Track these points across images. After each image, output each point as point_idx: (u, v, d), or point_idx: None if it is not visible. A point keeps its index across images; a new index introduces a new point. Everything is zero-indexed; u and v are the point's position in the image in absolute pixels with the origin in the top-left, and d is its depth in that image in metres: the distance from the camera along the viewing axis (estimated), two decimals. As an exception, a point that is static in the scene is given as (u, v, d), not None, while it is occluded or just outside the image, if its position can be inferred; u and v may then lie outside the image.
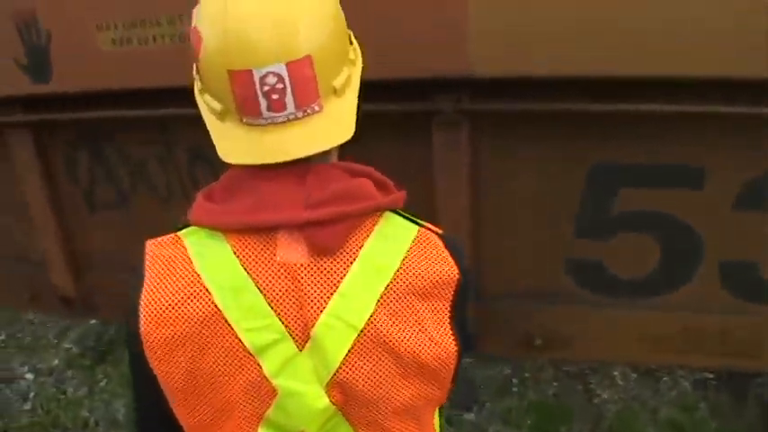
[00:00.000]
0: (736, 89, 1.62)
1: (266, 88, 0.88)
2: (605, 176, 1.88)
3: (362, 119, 1.48)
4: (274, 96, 0.89)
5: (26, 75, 2.18)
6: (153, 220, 2.38)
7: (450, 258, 1.00)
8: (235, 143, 0.94)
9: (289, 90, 0.89)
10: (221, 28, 0.88)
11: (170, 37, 1.89)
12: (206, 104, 0.98)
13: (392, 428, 1.05)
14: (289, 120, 0.91)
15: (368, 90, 1.70)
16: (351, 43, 1.02)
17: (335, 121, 0.95)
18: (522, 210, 1.98)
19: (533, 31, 1.64)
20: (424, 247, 0.99)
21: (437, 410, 1.17)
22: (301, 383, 0.98)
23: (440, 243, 1.01)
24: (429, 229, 1.03)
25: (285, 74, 0.88)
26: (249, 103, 0.90)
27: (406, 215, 1.04)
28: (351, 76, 0.99)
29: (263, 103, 0.89)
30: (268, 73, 0.87)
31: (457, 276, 0.99)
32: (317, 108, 0.92)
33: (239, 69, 0.88)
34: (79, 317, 3.38)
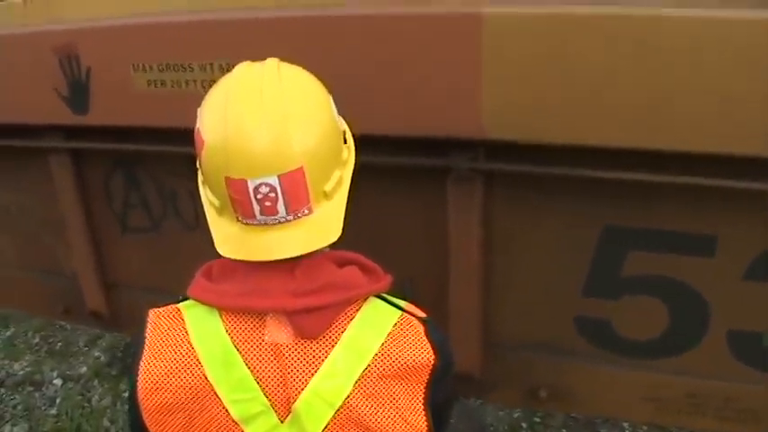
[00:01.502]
0: (754, 165, 1.63)
1: (260, 196, 0.95)
2: (616, 239, 1.90)
3: (383, 170, 1.54)
4: (267, 203, 0.96)
5: (67, 105, 2.29)
6: (180, 245, 2.48)
7: (427, 343, 1.06)
8: (230, 238, 1.02)
9: (280, 198, 0.96)
10: (221, 137, 0.95)
11: (201, 82, 1.98)
12: (206, 197, 1.07)
13: None
14: (280, 222, 0.98)
15: (389, 145, 1.78)
16: (345, 142, 1.09)
17: (324, 224, 1.02)
18: (533, 266, 2.01)
19: (546, 99, 1.68)
20: (404, 332, 1.06)
21: None
22: None
23: (420, 328, 1.07)
24: (412, 314, 1.09)
25: (277, 184, 0.95)
26: (243, 206, 0.97)
27: (390, 300, 1.10)
28: (342, 177, 1.05)
29: (256, 207, 0.97)
30: (261, 183, 0.94)
31: (433, 361, 1.05)
32: (306, 212, 0.99)
33: (235, 178, 0.95)
34: (110, 330, 3.50)
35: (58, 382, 3.75)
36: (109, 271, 2.76)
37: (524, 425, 3.17)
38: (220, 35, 1.94)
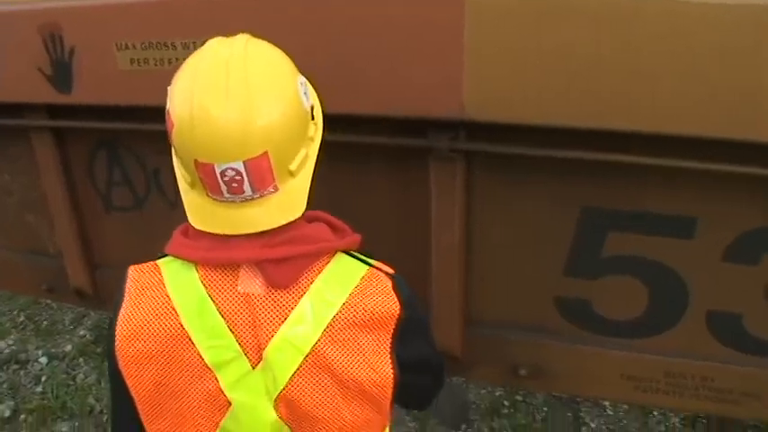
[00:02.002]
0: (735, 147, 1.64)
1: (226, 178, 1.02)
2: (596, 220, 1.91)
3: (365, 150, 1.55)
4: (234, 184, 1.02)
5: (50, 84, 2.26)
6: (163, 222, 2.47)
7: (394, 296, 1.15)
8: (200, 210, 1.10)
9: (246, 180, 1.02)
10: (188, 123, 1.00)
11: (184, 60, 1.97)
12: (178, 170, 1.11)
13: None
14: (246, 200, 1.05)
15: (370, 124, 1.78)
16: (312, 118, 1.12)
17: (289, 200, 1.08)
18: (514, 246, 2.02)
19: (526, 81, 1.68)
20: (371, 285, 1.14)
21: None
22: (253, 397, 1.12)
23: (387, 282, 1.16)
24: (380, 269, 1.17)
25: (242, 169, 1.01)
26: (212, 185, 1.04)
27: (359, 256, 1.17)
28: (307, 154, 1.11)
29: (223, 187, 1.03)
30: (228, 168, 1.00)
31: (398, 312, 1.14)
32: (272, 190, 1.05)
33: (202, 161, 1.02)
34: (93, 309, 3.51)
35: (43, 360, 3.78)
36: (93, 249, 2.75)
37: (506, 403, 3.22)
38: (203, 13, 1.92)
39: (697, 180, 1.76)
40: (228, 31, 1.82)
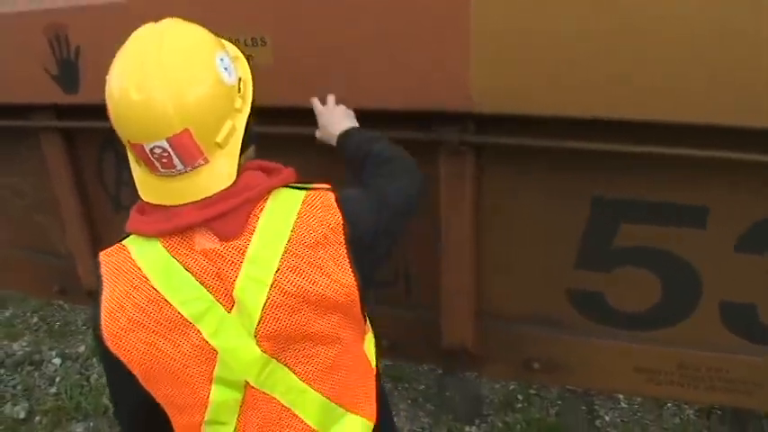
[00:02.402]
0: (746, 136, 1.62)
1: (156, 155, 1.11)
2: (608, 211, 1.90)
3: None
4: (164, 160, 1.11)
5: (57, 84, 2.28)
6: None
7: (335, 207, 1.23)
8: (146, 184, 1.19)
9: (174, 157, 1.10)
10: (115, 108, 1.11)
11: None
12: (126, 149, 1.19)
13: (321, 359, 1.28)
14: (181, 173, 1.13)
15: (379, 118, 1.78)
16: (239, 91, 1.19)
17: (221, 169, 1.16)
18: (525, 238, 2.01)
19: (534, 72, 1.67)
20: (312, 205, 1.22)
21: (368, 342, 1.44)
22: (234, 339, 1.20)
23: (329, 197, 1.24)
24: (318, 189, 1.26)
25: (167, 146, 1.09)
26: (147, 162, 1.14)
27: (296, 186, 1.26)
28: (234, 126, 1.18)
29: (156, 164, 1.12)
30: (155, 146, 1.09)
31: (340, 219, 1.22)
32: (202, 162, 1.13)
33: (134, 142, 1.12)
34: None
35: (57, 361, 3.79)
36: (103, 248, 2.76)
37: (520, 397, 3.20)
38: (207, 11, 1.92)
39: (708, 169, 1.74)
40: (232, 27, 1.83)
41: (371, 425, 1.41)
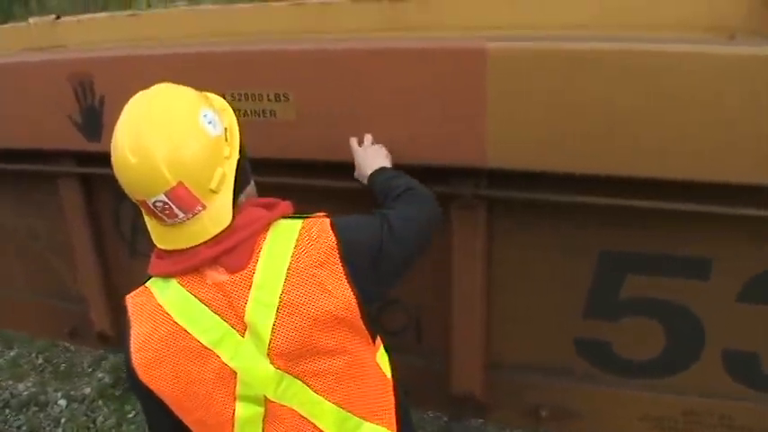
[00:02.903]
0: (746, 191, 1.71)
1: (158, 208, 1.24)
2: (614, 263, 1.96)
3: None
4: (166, 211, 1.25)
5: (80, 132, 2.32)
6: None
7: (328, 229, 1.35)
8: (156, 233, 1.33)
9: (174, 207, 1.24)
10: (118, 171, 1.26)
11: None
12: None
13: (333, 372, 1.38)
14: (183, 222, 1.26)
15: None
16: (226, 140, 1.30)
17: (218, 213, 1.28)
18: (534, 289, 2.07)
19: (548, 130, 1.75)
20: (309, 231, 1.34)
21: (381, 355, 1.52)
22: (250, 360, 1.31)
23: (324, 223, 1.37)
24: (314, 217, 1.39)
25: (166, 199, 1.22)
26: (154, 215, 1.28)
27: (294, 216, 1.39)
28: (225, 172, 1.29)
29: (161, 215, 1.26)
30: (156, 201, 1.23)
31: (334, 241, 1.34)
32: (200, 209, 1.26)
33: (138, 198, 1.26)
34: (115, 352, 3.54)
35: (62, 402, 3.78)
36: (117, 293, 2.79)
37: (524, 444, 3.20)
38: (235, 68, 2.00)
39: (712, 223, 1.82)
40: (254, 83, 1.91)
41: None
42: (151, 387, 1.32)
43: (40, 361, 4.19)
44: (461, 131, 1.80)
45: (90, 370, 4.03)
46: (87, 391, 3.84)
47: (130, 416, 3.63)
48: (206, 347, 1.30)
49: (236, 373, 1.32)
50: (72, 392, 3.85)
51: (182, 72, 2.08)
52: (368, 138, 1.86)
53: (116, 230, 2.67)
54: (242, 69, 1.98)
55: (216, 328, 1.31)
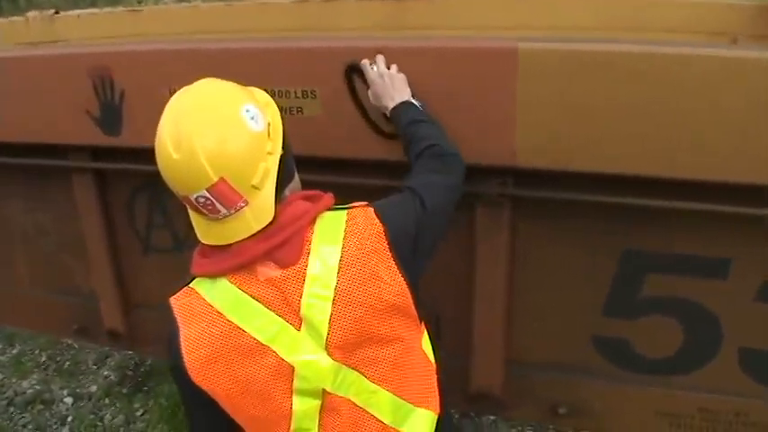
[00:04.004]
0: (765, 192, 1.74)
1: (201, 204, 1.24)
2: (635, 262, 1.99)
3: None
4: (209, 207, 1.24)
5: (98, 127, 2.32)
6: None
7: (373, 217, 1.37)
8: (201, 228, 1.33)
9: (216, 203, 1.23)
10: (162, 167, 1.26)
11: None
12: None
13: (388, 360, 1.39)
14: (226, 217, 1.26)
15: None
16: (269, 135, 1.29)
17: (260, 209, 1.28)
18: (555, 287, 2.10)
19: (573, 131, 1.78)
20: (355, 222, 1.36)
21: (425, 340, 1.54)
22: (308, 354, 1.32)
23: (368, 211, 1.38)
24: (357, 206, 1.40)
25: (208, 195, 1.22)
26: (197, 210, 1.28)
27: (337, 207, 1.40)
28: (268, 168, 1.29)
29: (204, 210, 1.26)
30: (198, 196, 1.23)
31: (381, 228, 1.35)
32: (243, 204, 1.25)
33: (182, 194, 1.26)
34: (124, 350, 3.52)
35: (68, 400, 3.76)
36: (129, 290, 2.79)
37: (538, 441, 3.23)
38: (263, 66, 2.00)
39: (731, 223, 1.85)
40: (281, 80, 1.91)
41: (436, 416, 1.51)
42: (205, 387, 1.31)
43: (44, 358, 4.16)
44: (492, 131, 1.82)
45: (95, 368, 4.01)
46: (93, 389, 3.82)
47: (139, 414, 3.62)
48: (262, 344, 1.30)
49: (293, 368, 1.32)
50: (78, 390, 3.82)
51: (206, 68, 2.08)
52: (381, 60, 1.83)
53: (130, 227, 2.66)
54: (269, 65, 1.98)
55: (271, 324, 1.30)
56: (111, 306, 2.79)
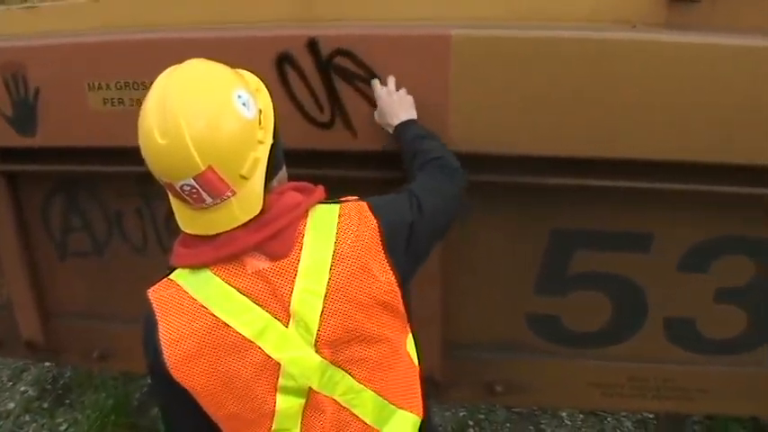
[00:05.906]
0: (683, 168, 1.84)
1: (186, 192, 1.17)
2: (563, 240, 2.06)
3: (354, 183, 1.67)
4: (194, 196, 1.18)
5: (11, 126, 2.19)
6: (127, 269, 2.44)
7: (367, 212, 1.33)
8: (183, 217, 1.26)
9: (202, 192, 1.17)
10: (145, 152, 1.18)
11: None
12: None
13: (374, 359, 1.35)
14: (211, 206, 1.20)
15: (363, 159, 1.84)
16: (260, 123, 1.23)
17: (248, 200, 1.22)
18: (488, 269, 2.14)
19: (505, 117, 1.83)
20: (349, 216, 1.31)
21: (410, 342, 1.51)
22: (296, 351, 1.26)
23: (362, 206, 1.34)
24: (349, 201, 1.36)
25: (194, 183, 1.16)
26: (181, 197, 1.20)
27: (329, 201, 1.35)
28: (258, 158, 1.22)
29: (188, 199, 1.19)
30: (183, 184, 1.16)
31: (375, 223, 1.32)
32: (230, 194, 1.19)
33: (165, 181, 1.18)
34: (44, 361, 3.35)
35: (-17, 420, 3.55)
36: (47, 298, 2.65)
37: (471, 422, 3.30)
38: (181, 52, 1.93)
39: (652, 199, 1.95)
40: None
41: (419, 420, 1.48)
42: (184, 384, 1.24)
43: (-48, 377, 3.90)
44: (426, 116, 1.82)
45: (10, 384, 3.79)
46: (11, 405, 3.61)
47: (63, 428, 3.46)
48: (247, 339, 1.24)
49: (279, 365, 1.26)
50: (-7, 409, 3.61)
51: (127, 61, 1.99)
52: (391, 80, 1.83)
53: (45, 230, 2.53)
54: (195, 56, 1.91)
55: (258, 319, 1.24)
56: (29, 315, 2.64)
